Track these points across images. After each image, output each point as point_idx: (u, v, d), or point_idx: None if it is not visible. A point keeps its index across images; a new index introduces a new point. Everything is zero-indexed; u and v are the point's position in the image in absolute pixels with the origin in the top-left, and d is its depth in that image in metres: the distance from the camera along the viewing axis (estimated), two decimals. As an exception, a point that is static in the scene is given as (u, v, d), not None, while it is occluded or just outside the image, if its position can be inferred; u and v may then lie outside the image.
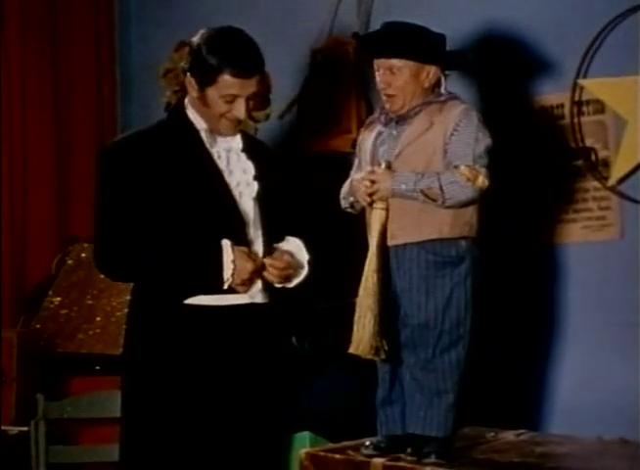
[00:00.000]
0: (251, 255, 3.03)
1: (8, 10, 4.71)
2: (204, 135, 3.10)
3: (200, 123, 3.10)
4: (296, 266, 3.11)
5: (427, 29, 3.03)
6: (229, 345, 3.03)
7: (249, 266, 2.99)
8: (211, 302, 3.02)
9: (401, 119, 3.03)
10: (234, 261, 2.98)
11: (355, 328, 2.96)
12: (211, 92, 3.02)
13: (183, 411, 3.00)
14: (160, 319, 3.04)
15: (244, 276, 2.99)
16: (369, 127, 3.14)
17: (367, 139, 3.11)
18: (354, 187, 3.05)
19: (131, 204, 3.00)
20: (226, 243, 3.00)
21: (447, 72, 3.06)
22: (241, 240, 3.05)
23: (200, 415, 3.00)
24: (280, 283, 3.08)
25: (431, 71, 3.02)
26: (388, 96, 3.03)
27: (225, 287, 2.99)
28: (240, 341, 3.04)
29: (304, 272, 3.16)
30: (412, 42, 3.01)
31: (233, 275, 2.98)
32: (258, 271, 3.02)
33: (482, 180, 2.93)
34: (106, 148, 3.24)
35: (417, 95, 3.02)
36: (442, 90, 3.05)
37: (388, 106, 3.05)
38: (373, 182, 2.97)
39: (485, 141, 2.97)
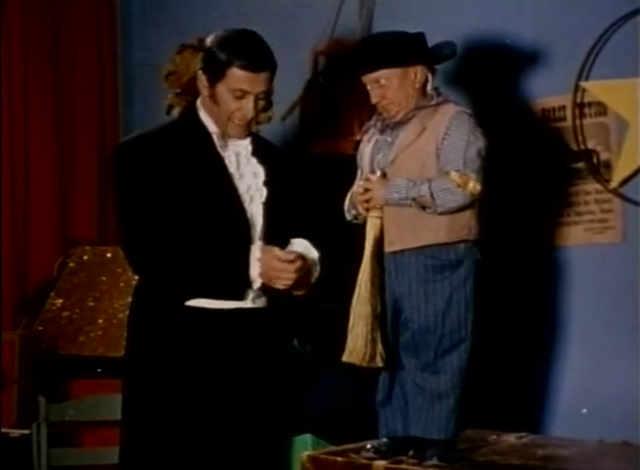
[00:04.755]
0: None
1: (10, 10, 4.71)
2: (215, 138, 3.09)
3: (211, 126, 3.10)
4: (306, 268, 3.07)
5: (403, 33, 3.02)
6: (230, 348, 3.03)
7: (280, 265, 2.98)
8: (212, 305, 3.02)
9: (396, 126, 3.02)
10: (260, 260, 2.97)
11: (349, 337, 2.95)
12: (221, 88, 3.02)
13: (183, 414, 3.00)
14: (161, 322, 3.04)
15: (272, 274, 2.97)
16: (366, 135, 3.12)
17: (365, 148, 3.10)
18: (354, 198, 3.04)
19: (151, 200, 2.99)
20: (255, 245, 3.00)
21: (435, 67, 3.04)
22: (245, 243, 3.05)
23: (200, 418, 3.00)
24: (290, 286, 3.03)
25: (418, 72, 3.01)
26: (384, 106, 3.03)
27: (255, 286, 2.98)
28: (240, 344, 3.04)
29: (317, 269, 3.15)
30: (391, 50, 3.00)
31: (261, 274, 2.97)
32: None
33: (473, 185, 2.89)
34: (121, 145, 3.23)
35: (411, 97, 3.01)
36: (429, 88, 3.02)
37: (385, 114, 3.04)
38: (367, 190, 2.97)
39: (477, 144, 2.93)
